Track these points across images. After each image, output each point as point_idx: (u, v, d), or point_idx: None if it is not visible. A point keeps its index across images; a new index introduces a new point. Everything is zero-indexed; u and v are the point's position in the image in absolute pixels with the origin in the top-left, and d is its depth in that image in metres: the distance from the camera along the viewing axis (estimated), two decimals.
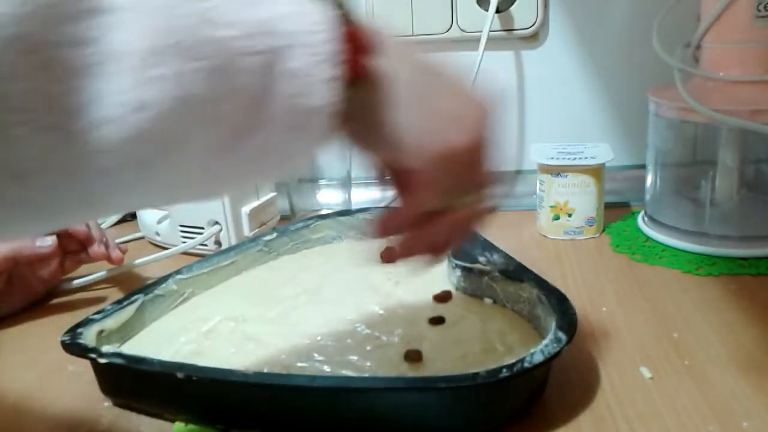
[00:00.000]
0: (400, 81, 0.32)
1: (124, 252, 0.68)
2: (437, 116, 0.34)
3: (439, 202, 0.37)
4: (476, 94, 0.37)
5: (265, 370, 0.48)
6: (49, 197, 0.25)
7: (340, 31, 0.28)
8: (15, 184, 0.24)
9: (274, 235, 0.68)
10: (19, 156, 0.23)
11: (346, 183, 0.81)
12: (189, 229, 0.75)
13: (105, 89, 0.23)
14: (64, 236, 0.65)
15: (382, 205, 0.79)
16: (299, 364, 0.49)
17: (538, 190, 0.76)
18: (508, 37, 0.83)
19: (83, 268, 0.69)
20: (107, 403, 0.50)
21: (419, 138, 0.33)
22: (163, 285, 0.58)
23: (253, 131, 0.27)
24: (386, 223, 0.39)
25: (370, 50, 0.30)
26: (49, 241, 0.64)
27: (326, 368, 0.49)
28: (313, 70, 0.27)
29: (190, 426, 0.46)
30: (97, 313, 0.53)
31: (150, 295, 0.57)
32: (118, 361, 0.47)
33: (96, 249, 0.65)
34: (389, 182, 0.39)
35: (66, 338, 0.49)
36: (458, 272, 0.58)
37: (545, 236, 0.76)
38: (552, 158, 0.73)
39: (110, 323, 0.53)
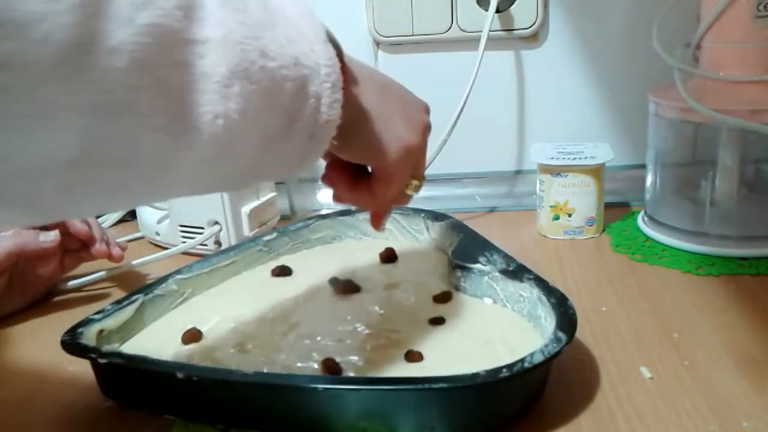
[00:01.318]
0: (367, 99, 0.41)
1: (123, 249, 0.68)
2: (395, 123, 0.44)
3: (400, 190, 0.47)
4: (417, 100, 0.47)
5: (265, 370, 0.48)
6: (140, 184, 0.32)
7: (340, 65, 0.36)
8: (123, 173, 0.30)
9: (274, 235, 0.68)
10: (134, 150, 0.29)
11: None
12: (189, 229, 0.75)
13: (197, 101, 0.30)
14: (64, 235, 0.65)
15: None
16: (299, 364, 0.49)
17: (538, 190, 0.76)
18: (508, 37, 0.83)
19: (82, 268, 0.69)
20: (107, 403, 0.50)
21: (384, 143, 0.43)
22: (163, 285, 0.58)
23: (283, 139, 0.35)
24: (377, 213, 0.51)
25: (353, 79, 0.40)
26: (52, 236, 0.64)
27: None
28: (327, 93, 0.35)
29: (190, 426, 0.46)
30: (97, 313, 0.53)
31: (150, 295, 0.57)
32: (118, 361, 0.47)
33: (98, 247, 0.66)
34: (339, 182, 0.47)
35: (66, 338, 0.49)
36: (458, 272, 0.58)
37: (545, 236, 0.76)
38: (552, 158, 0.73)
39: (110, 323, 0.53)
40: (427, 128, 0.47)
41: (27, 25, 0.24)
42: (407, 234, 0.70)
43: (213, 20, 0.30)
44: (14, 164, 0.27)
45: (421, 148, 0.47)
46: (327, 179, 0.47)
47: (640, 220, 0.77)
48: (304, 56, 0.34)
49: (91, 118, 0.27)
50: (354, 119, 0.40)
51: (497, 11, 0.81)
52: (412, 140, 0.45)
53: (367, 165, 0.45)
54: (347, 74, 0.38)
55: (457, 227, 0.65)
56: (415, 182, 0.48)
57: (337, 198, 0.48)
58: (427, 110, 0.48)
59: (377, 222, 0.53)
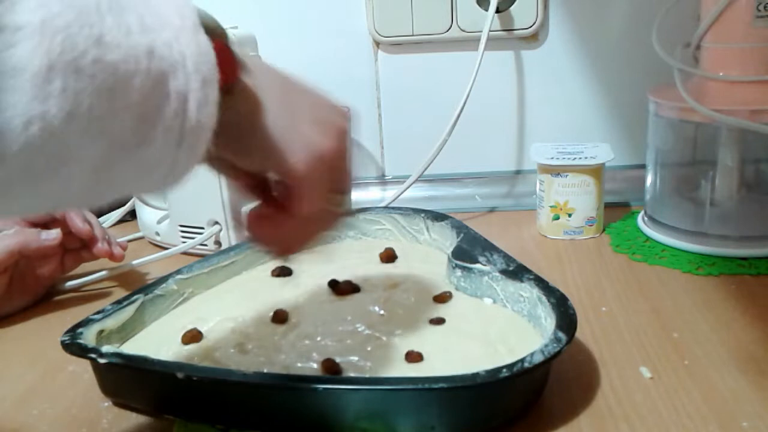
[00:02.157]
0: (266, 96, 0.35)
1: (124, 249, 0.68)
2: (304, 125, 0.37)
3: (321, 206, 0.40)
4: (333, 103, 0.40)
5: (265, 370, 0.48)
6: None
7: (216, 56, 0.31)
8: None
9: None
10: None
11: None
12: (189, 229, 0.75)
13: (3, 102, 0.25)
14: (66, 234, 0.65)
15: (382, 204, 0.79)
16: (299, 364, 0.49)
17: (538, 190, 0.76)
18: (508, 37, 0.83)
19: (83, 268, 0.69)
20: (107, 403, 0.50)
21: (291, 146, 0.36)
22: (163, 285, 0.58)
23: (139, 147, 0.29)
24: (268, 229, 0.41)
25: (240, 72, 0.34)
26: (54, 234, 0.64)
27: None
28: (197, 90, 0.30)
29: (190, 426, 0.46)
30: (97, 313, 0.53)
31: (150, 295, 0.57)
32: (118, 361, 0.47)
33: (100, 246, 0.66)
34: (258, 194, 0.42)
35: (66, 338, 0.49)
36: (458, 272, 0.58)
37: (545, 236, 0.76)
38: (552, 158, 0.73)
39: (110, 323, 0.53)
40: (343, 133, 0.40)
41: None
42: (407, 234, 0.70)
43: (30, 3, 0.25)
44: None
45: (340, 155, 0.39)
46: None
47: (640, 220, 0.77)
48: (162, 46, 0.29)
49: None
50: (250, 118, 0.35)
51: (497, 11, 0.81)
52: (326, 144, 0.38)
53: (274, 175, 0.39)
54: (237, 66, 0.33)
55: (457, 227, 0.65)
56: (339, 196, 0.41)
57: (251, 226, 0.41)
58: (344, 115, 0.41)
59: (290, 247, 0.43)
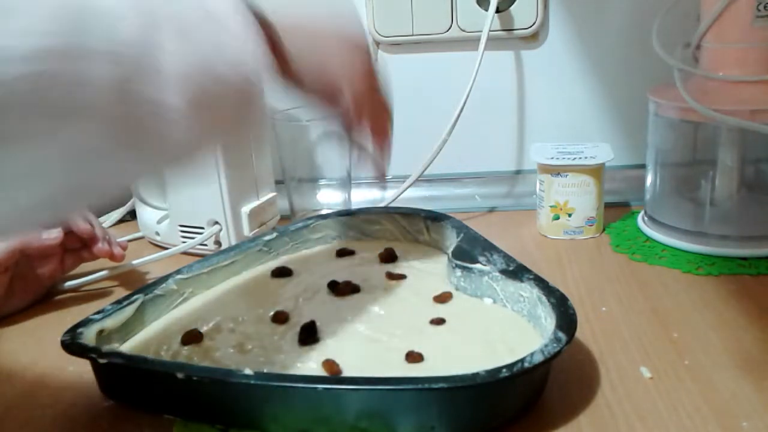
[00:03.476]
0: (290, 38, 0.43)
1: (124, 249, 0.68)
2: (322, 42, 0.46)
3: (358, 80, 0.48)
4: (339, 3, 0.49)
5: (265, 370, 0.48)
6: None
7: (260, 29, 0.40)
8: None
9: (274, 235, 0.68)
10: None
11: (346, 183, 0.81)
12: (189, 229, 0.75)
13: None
14: (66, 234, 0.65)
15: (382, 204, 0.79)
16: (299, 364, 0.49)
17: (538, 190, 0.76)
18: (508, 37, 0.83)
19: (83, 268, 0.69)
20: (107, 403, 0.50)
21: (314, 58, 0.45)
22: (163, 285, 0.58)
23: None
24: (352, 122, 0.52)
25: (268, 20, 0.42)
26: (55, 233, 0.64)
27: None
28: (257, 56, 0.39)
29: (190, 426, 0.46)
30: (97, 313, 0.53)
31: (150, 295, 0.57)
32: (118, 361, 0.47)
33: (100, 246, 0.66)
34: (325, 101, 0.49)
35: (66, 338, 0.49)
36: (458, 272, 0.58)
37: (545, 236, 0.76)
38: (552, 158, 0.73)
39: (110, 323, 0.53)
40: (359, 28, 0.48)
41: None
42: (407, 234, 0.70)
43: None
44: None
45: (361, 46, 0.48)
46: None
47: (640, 220, 0.77)
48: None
49: None
50: (280, 50, 0.43)
51: (497, 11, 0.81)
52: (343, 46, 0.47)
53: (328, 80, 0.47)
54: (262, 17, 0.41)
55: (457, 227, 0.65)
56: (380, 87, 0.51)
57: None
58: (354, 12, 0.49)
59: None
